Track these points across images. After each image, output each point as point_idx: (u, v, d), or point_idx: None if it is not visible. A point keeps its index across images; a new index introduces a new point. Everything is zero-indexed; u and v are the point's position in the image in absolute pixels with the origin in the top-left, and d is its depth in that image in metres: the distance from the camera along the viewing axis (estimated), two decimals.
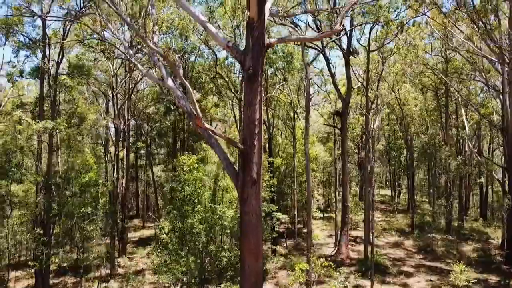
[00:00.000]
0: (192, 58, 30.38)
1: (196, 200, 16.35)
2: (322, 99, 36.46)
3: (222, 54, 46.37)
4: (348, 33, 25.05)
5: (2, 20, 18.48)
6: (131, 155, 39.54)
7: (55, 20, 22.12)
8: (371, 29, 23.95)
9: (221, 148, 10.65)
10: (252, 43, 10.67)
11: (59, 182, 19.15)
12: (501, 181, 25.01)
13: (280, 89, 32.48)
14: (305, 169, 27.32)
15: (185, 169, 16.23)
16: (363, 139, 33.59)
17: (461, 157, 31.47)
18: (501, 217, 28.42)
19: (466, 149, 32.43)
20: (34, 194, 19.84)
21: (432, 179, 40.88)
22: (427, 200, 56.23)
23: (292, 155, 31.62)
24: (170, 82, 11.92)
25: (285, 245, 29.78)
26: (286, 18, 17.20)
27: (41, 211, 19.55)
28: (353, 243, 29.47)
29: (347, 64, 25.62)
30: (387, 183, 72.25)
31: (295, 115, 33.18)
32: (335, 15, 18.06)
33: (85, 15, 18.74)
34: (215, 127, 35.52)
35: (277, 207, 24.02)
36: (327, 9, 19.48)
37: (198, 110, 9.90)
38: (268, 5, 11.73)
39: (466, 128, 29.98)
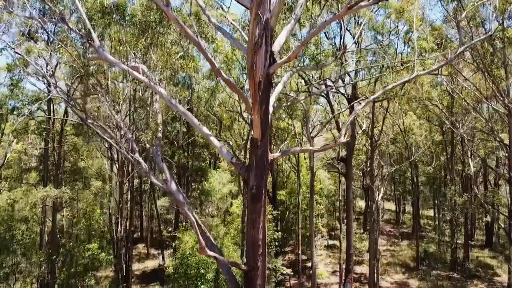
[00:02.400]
0: None
1: (199, 283, 16.30)
2: (326, 139, 36.23)
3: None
4: (353, 78, 24.85)
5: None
6: (136, 181, 39.53)
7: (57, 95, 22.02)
8: (376, 80, 23.75)
9: (229, 269, 10.58)
10: (256, 161, 10.59)
11: (63, 258, 19.20)
12: (507, 230, 24.77)
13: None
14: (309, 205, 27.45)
15: (187, 252, 16.18)
16: (368, 163, 33.35)
17: (467, 194, 31.18)
18: (508, 259, 28.09)
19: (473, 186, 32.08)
20: (38, 267, 19.89)
21: (437, 212, 40.61)
22: (431, 215, 55.96)
23: (296, 190, 31.53)
24: (173, 185, 11.80)
25: (289, 285, 29.67)
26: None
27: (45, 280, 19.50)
28: (357, 284, 29.34)
29: (351, 110, 25.42)
30: (391, 193, 71.82)
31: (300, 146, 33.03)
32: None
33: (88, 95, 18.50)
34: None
35: (281, 262, 23.92)
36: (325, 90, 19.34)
37: (201, 239, 9.80)
38: (272, 100, 11.66)
39: (471, 166, 29.68)
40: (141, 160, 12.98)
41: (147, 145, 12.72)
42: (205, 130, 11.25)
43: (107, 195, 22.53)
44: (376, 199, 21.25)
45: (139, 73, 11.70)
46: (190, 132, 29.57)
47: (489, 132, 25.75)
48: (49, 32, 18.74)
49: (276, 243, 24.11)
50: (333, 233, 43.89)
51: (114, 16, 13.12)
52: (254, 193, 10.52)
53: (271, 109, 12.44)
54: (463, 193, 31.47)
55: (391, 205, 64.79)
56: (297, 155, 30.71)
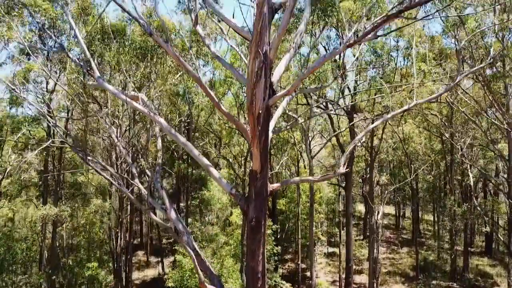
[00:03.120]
0: None
1: None
2: (326, 151, 36.22)
3: None
4: (353, 94, 24.86)
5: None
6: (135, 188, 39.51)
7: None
8: (374, 101, 23.74)
9: None
10: (255, 193, 10.58)
11: (63, 279, 19.18)
12: (507, 243, 24.77)
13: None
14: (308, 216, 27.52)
15: (187, 274, 16.20)
16: (367, 171, 33.34)
17: (467, 204, 31.21)
18: (507, 270, 28.11)
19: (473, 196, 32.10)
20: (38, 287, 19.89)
21: (437, 217, 40.66)
22: (431, 218, 55.86)
23: (296, 200, 31.53)
24: (173, 214, 11.77)
25: None
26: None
27: None
28: None
29: (351, 122, 25.43)
30: (391, 197, 71.60)
31: (299, 156, 33.02)
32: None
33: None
34: None
35: (280, 272, 23.93)
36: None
37: (201, 274, 9.82)
38: (271, 126, 11.65)
39: (470, 177, 29.71)
40: (140, 186, 12.98)
41: (147, 172, 12.72)
42: (205, 160, 11.21)
43: (107, 213, 22.52)
44: (375, 219, 21.28)
45: (139, 102, 11.75)
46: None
47: (487, 145, 25.76)
48: (49, 51, 18.69)
49: (276, 258, 24.14)
50: (333, 239, 43.94)
51: (113, 42, 13.10)
52: (254, 225, 10.54)
53: (270, 134, 12.47)
54: (463, 203, 31.51)
55: (391, 209, 64.82)
56: (296, 166, 30.73)
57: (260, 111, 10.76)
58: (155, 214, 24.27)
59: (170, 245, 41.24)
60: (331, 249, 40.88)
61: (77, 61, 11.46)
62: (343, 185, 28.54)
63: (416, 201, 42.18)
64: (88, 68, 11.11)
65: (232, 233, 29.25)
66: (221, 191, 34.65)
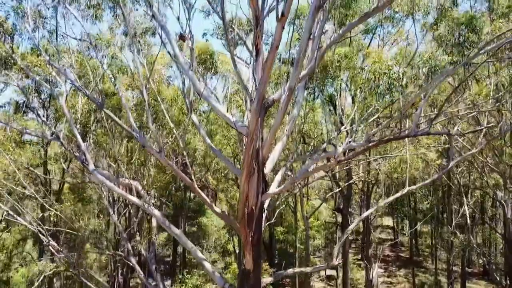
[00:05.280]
0: None
1: None
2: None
3: None
4: (349, 131, 24.84)
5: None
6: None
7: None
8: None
9: None
10: None
11: None
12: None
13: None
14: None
15: None
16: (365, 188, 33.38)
17: (464, 235, 31.31)
18: None
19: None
20: None
21: (434, 237, 40.74)
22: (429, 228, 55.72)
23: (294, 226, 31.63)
24: None
25: None
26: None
27: None
28: None
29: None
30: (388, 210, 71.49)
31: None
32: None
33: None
34: None
35: None
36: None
37: None
38: (266, 204, 11.77)
39: (466, 210, 29.81)
40: (136, 266, 13.16)
41: (143, 252, 12.88)
42: (199, 254, 11.41)
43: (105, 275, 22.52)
44: (371, 276, 21.45)
45: (133, 189, 11.85)
46: (187, 174, 29.66)
47: (483, 186, 25.87)
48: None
49: None
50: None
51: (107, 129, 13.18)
52: None
53: (264, 214, 12.59)
54: (461, 233, 31.62)
55: (389, 221, 64.81)
56: (294, 198, 30.84)
57: (253, 207, 10.94)
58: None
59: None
60: (329, 272, 41.00)
61: (72, 151, 11.59)
62: (340, 220, 28.66)
63: (414, 223, 42.21)
64: (84, 160, 11.25)
65: (229, 265, 29.40)
66: (218, 218, 34.78)
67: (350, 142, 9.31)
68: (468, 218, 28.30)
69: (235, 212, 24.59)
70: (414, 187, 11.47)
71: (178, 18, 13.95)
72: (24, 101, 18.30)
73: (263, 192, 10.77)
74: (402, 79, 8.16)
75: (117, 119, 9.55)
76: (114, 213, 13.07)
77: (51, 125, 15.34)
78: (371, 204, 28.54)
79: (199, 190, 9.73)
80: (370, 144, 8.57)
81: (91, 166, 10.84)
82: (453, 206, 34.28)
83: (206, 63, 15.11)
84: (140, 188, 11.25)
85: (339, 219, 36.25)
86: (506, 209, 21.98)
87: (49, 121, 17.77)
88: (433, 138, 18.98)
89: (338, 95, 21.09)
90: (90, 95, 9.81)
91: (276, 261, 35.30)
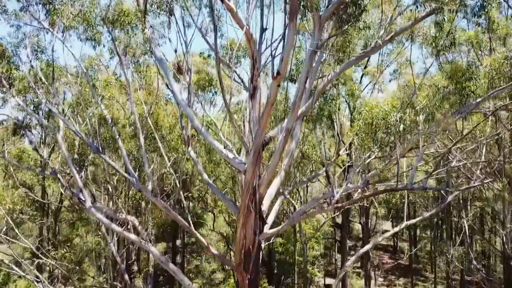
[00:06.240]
0: None
1: None
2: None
3: None
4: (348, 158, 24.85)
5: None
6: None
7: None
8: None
9: None
10: None
11: None
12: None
13: None
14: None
15: None
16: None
17: (462, 248, 31.31)
18: None
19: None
20: None
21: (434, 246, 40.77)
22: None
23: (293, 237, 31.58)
24: None
25: None
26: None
27: None
28: None
29: (346, 173, 25.49)
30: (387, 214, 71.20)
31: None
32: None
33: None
34: None
35: None
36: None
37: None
38: (263, 237, 11.76)
39: (465, 223, 29.82)
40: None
41: (141, 284, 12.88)
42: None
43: None
44: None
45: (130, 223, 11.86)
46: (186, 188, 29.59)
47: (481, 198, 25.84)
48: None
49: None
50: (330, 268, 43.96)
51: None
52: None
53: (262, 245, 12.57)
54: (460, 245, 31.61)
55: (388, 225, 64.70)
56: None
57: (251, 246, 10.93)
58: None
59: None
60: (328, 280, 40.95)
61: (69, 187, 11.58)
62: (339, 236, 28.64)
63: (413, 232, 42.16)
64: (80, 198, 11.24)
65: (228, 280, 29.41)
66: (217, 228, 34.75)
67: (347, 184, 9.32)
68: (467, 230, 28.30)
69: (233, 235, 24.71)
70: (413, 221, 11.51)
71: (175, 51, 13.96)
72: (23, 122, 18.25)
73: (260, 231, 10.79)
74: (400, 125, 8.16)
75: (113, 164, 9.57)
76: (111, 242, 13.08)
77: (48, 161, 15.41)
78: (370, 213, 28.42)
79: (197, 233, 9.73)
80: (366, 194, 8.62)
81: (88, 203, 10.84)
82: (453, 218, 34.31)
83: (204, 90, 15.05)
84: (137, 223, 11.24)
85: (338, 232, 36.35)
86: (504, 222, 21.93)
87: (46, 147, 17.78)
88: (432, 162, 18.93)
89: (337, 110, 21.04)
90: (87, 140, 9.80)
91: (275, 271, 35.27)
